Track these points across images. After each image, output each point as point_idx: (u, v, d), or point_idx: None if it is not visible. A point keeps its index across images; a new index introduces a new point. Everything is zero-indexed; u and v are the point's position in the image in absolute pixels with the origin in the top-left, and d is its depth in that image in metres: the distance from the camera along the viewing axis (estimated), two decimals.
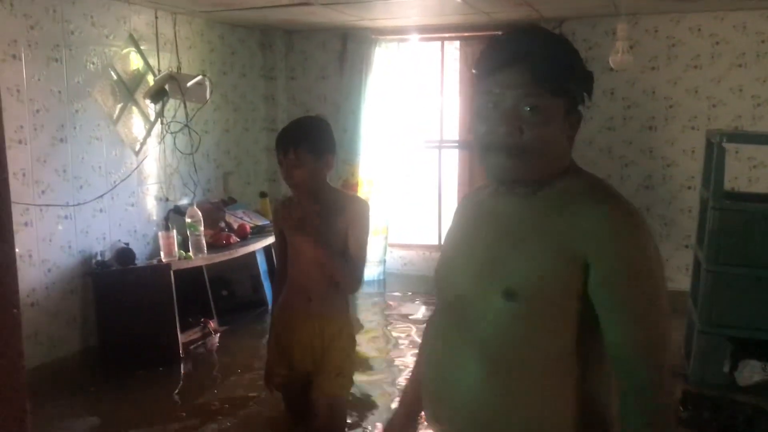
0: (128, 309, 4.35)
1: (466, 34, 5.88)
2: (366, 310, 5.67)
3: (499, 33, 1.39)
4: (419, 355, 1.68)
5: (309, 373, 2.61)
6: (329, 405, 2.57)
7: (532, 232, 1.34)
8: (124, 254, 4.45)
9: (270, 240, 5.33)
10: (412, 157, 6.69)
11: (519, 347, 1.33)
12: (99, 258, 4.43)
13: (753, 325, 3.76)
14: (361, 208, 2.58)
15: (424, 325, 1.68)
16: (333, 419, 2.59)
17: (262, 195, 5.90)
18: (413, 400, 1.66)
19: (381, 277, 6.28)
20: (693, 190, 5.24)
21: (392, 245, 6.40)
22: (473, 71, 1.40)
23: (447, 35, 6.04)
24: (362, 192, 6.14)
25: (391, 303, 5.76)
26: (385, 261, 6.30)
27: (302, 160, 2.44)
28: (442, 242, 1.64)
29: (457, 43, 6.11)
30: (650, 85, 5.52)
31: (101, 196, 4.50)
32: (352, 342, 2.68)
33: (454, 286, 1.43)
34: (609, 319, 1.30)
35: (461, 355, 1.38)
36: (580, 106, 1.38)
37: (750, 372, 3.76)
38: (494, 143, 1.33)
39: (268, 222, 5.53)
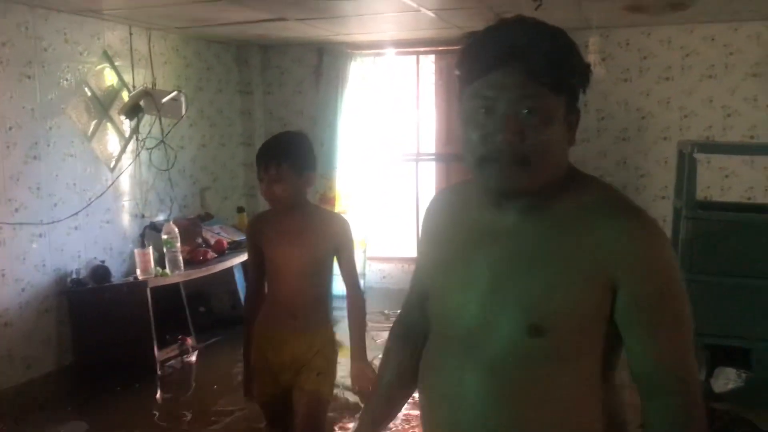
0: (104, 327, 4.31)
1: (440, 48, 5.93)
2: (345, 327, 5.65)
3: (483, 28, 1.22)
4: (384, 373, 1.57)
5: (290, 385, 2.57)
6: (309, 401, 2.52)
7: (552, 255, 1.20)
8: (100, 272, 4.41)
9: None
10: (389, 170, 6.70)
11: (545, 383, 1.21)
12: (74, 276, 4.38)
13: (728, 332, 3.79)
14: (347, 227, 2.57)
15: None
16: (313, 416, 2.53)
17: (240, 210, 5.89)
18: (379, 418, 1.56)
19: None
20: (667, 200, 5.30)
21: (371, 258, 6.40)
22: (456, 72, 1.24)
23: (422, 49, 6.08)
24: (340, 205, 6.15)
25: (370, 322, 5.72)
26: (364, 275, 6.29)
27: (283, 176, 2.39)
28: (422, 258, 1.49)
29: (432, 57, 6.16)
30: (623, 97, 5.59)
31: (76, 213, 4.45)
32: (335, 351, 2.66)
33: (461, 319, 1.26)
34: (639, 341, 1.21)
35: (477, 393, 1.24)
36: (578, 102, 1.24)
37: (725, 379, 3.79)
38: (493, 152, 1.18)
39: (246, 237, 5.50)
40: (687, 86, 5.47)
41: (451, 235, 1.35)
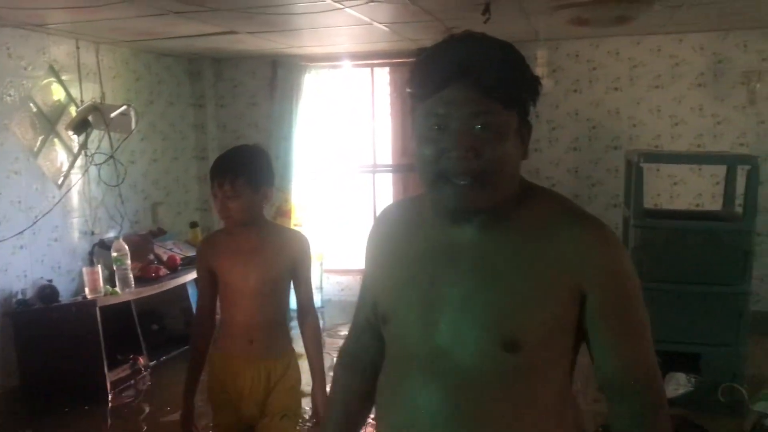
0: (52, 348, 4.20)
1: (395, 60, 5.95)
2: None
3: (433, 45, 1.22)
4: (333, 406, 1.54)
5: (253, 417, 2.44)
6: None
7: (519, 268, 1.20)
8: (47, 292, 4.30)
9: None
10: (345, 182, 6.70)
11: (519, 398, 1.21)
12: (20, 297, 4.27)
13: (677, 338, 3.87)
14: (306, 245, 2.45)
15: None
16: None
17: (193, 225, 5.80)
18: None
19: (319, 305, 6.20)
20: (618, 208, 5.38)
21: (329, 271, 6.37)
22: (408, 90, 1.23)
23: (376, 62, 6.10)
24: (295, 218, 6.12)
25: (328, 339, 5.67)
26: (321, 288, 6.26)
27: (239, 192, 2.26)
28: (372, 279, 1.43)
29: (386, 69, 6.17)
30: (573, 108, 5.68)
31: (21, 232, 4.34)
32: (298, 380, 2.52)
33: (428, 339, 1.23)
34: (608, 346, 1.23)
35: (447, 414, 1.21)
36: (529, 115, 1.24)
37: (676, 384, 3.86)
38: (448, 170, 1.17)
39: None
40: (635, 96, 5.58)
41: (407, 253, 1.32)
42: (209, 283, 2.46)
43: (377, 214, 1.50)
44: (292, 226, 6.08)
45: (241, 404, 2.42)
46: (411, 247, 1.31)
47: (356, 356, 1.50)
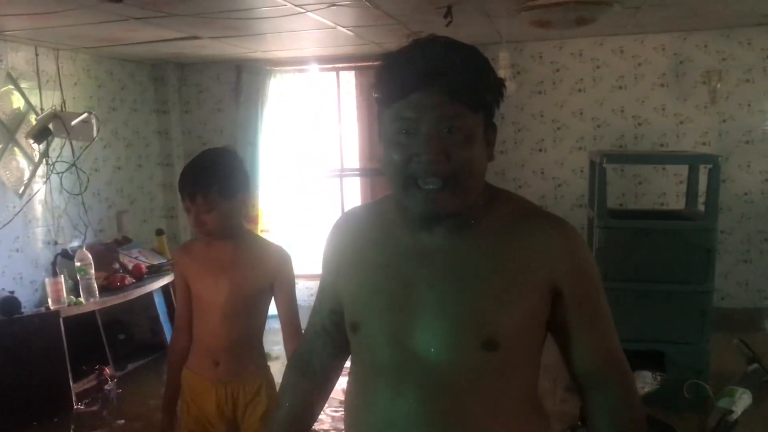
0: (16, 361, 4.11)
1: (360, 63, 5.94)
2: (274, 348, 5.60)
3: (398, 49, 1.24)
4: (280, 411, 1.50)
5: None
6: None
7: (493, 269, 1.22)
8: (9, 303, 4.21)
9: (168, 279, 5.18)
10: (313, 186, 6.67)
11: (497, 396, 1.23)
12: None
13: (643, 337, 3.91)
14: (286, 260, 2.22)
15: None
16: None
17: (159, 233, 5.73)
18: None
19: None
20: (583, 209, 5.44)
21: (298, 277, 6.31)
22: (374, 95, 1.24)
23: (342, 65, 6.08)
24: (262, 224, 6.07)
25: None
26: None
27: (213, 204, 2.08)
28: (330, 282, 1.42)
29: (352, 73, 6.16)
30: (538, 109, 5.72)
31: None
32: (273, 403, 2.25)
33: (404, 344, 1.23)
34: (580, 340, 1.28)
35: (423, 416, 1.21)
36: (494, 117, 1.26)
37: (642, 382, 3.89)
38: (418, 174, 1.18)
39: (165, 261, 5.37)
40: (599, 97, 5.64)
41: (375, 258, 1.31)
42: (185, 293, 2.32)
43: (335, 220, 1.50)
44: (259, 233, 6.05)
45: (210, 428, 2.30)
46: (378, 253, 1.31)
47: (308, 361, 1.49)
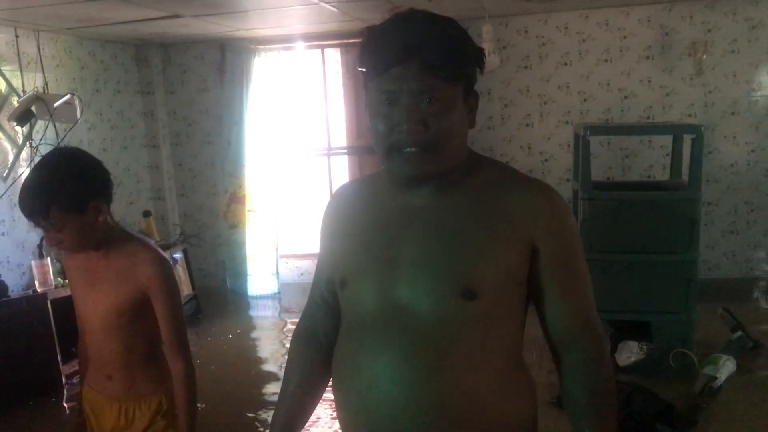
0: (4, 344, 4.10)
1: (345, 41, 5.90)
2: (263, 328, 5.63)
3: (379, 24, 1.29)
4: (291, 377, 1.53)
5: None
6: None
7: (473, 224, 1.29)
8: None
9: None
10: (300, 165, 6.65)
11: (477, 347, 1.28)
12: None
13: (629, 307, 3.94)
14: (157, 266, 1.94)
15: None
16: None
17: (146, 214, 5.70)
18: (291, 423, 1.52)
19: (276, 291, 6.21)
20: (571, 183, 5.45)
21: (286, 256, 6.35)
22: (360, 69, 1.31)
23: (327, 43, 6.05)
24: (250, 204, 6.06)
25: (288, 323, 5.65)
26: (278, 274, 6.23)
27: (60, 223, 1.83)
28: (327, 251, 1.47)
29: (338, 50, 6.12)
30: (524, 84, 5.71)
31: None
32: (172, 425, 2.07)
33: (389, 298, 1.30)
34: (556, 298, 1.32)
35: (407, 366, 1.27)
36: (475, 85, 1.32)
37: (628, 352, 3.94)
38: (400, 142, 1.25)
39: (153, 242, 5.35)
40: (585, 71, 5.63)
41: (366, 223, 1.38)
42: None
43: (332, 193, 1.55)
44: (246, 212, 6.05)
45: None
46: (367, 217, 1.39)
47: (312, 332, 1.53)
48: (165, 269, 1.96)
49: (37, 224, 1.87)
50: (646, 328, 3.97)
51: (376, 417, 1.30)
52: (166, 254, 2.06)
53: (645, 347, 3.94)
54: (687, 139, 4.14)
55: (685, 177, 4.14)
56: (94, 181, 1.91)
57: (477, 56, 1.30)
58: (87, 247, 1.93)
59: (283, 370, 1.61)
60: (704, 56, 5.43)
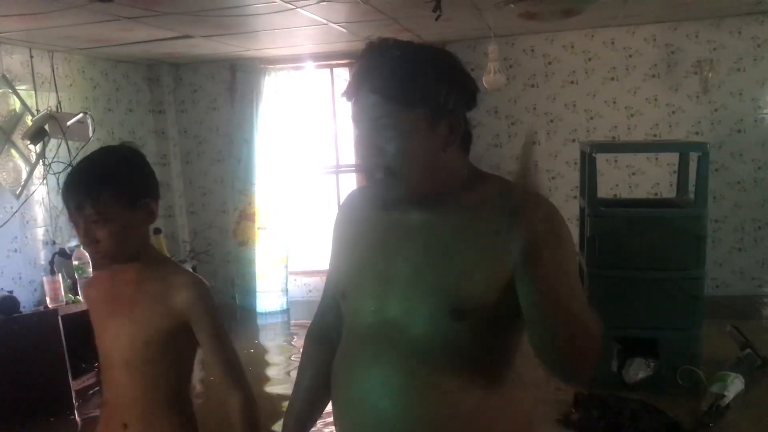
0: (15, 360, 4.15)
1: (353, 60, 5.96)
2: (271, 343, 5.65)
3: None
4: (303, 376, 1.61)
5: None
6: None
7: (465, 244, 1.30)
8: (7, 303, 4.25)
9: None
10: (309, 183, 6.70)
11: (466, 365, 1.29)
12: None
13: (636, 324, 3.94)
14: (200, 292, 1.73)
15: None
16: None
17: (156, 231, 5.74)
18: (303, 419, 1.60)
19: (285, 308, 6.24)
20: (578, 200, 5.47)
21: (295, 273, 6.38)
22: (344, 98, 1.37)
23: (335, 62, 6.12)
24: (259, 221, 6.10)
25: (295, 337, 5.68)
26: (287, 290, 6.26)
27: (107, 212, 1.63)
28: (336, 255, 1.52)
29: (346, 70, 6.19)
30: (531, 102, 5.75)
31: None
32: None
33: (381, 313, 1.32)
34: (528, 283, 1.24)
35: (398, 382, 1.29)
36: (455, 112, 1.31)
37: (636, 369, 3.93)
38: (365, 167, 1.32)
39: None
40: (591, 89, 5.67)
41: (364, 234, 1.43)
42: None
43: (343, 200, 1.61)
44: (256, 229, 6.09)
45: None
46: (370, 229, 1.43)
47: (323, 332, 1.58)
48: (206, 293, 1.74)
49: (78, 212, 1.63)
50: (653, 345, 3.96)
51: (367, 428, 1.33)
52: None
53: (652, 364, 3.93)
54: (693, 157, 4.16)
55: (691, 194, 4.16)
56: (151, 178, 1.75)
57: (446, 83, 1.29)
58: (121, 257, 1.70)
59: (292, 383, 1.62)
60: (710, 74, 5.46)
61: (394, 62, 1.29)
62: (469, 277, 1.28)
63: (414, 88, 1.28)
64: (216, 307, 1.76)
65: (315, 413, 1.61)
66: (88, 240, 1.65)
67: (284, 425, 1.61)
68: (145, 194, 1.70)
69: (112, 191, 1.63)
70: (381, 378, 1.30)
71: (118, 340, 1.72)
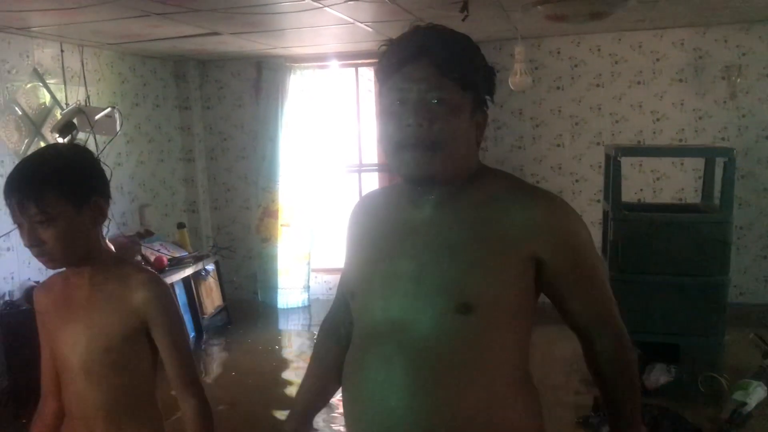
0: (39, 349, 4.21)
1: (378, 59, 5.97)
2: (291, 339, 5.69)
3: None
4: (316, 362, 1.66)
5: None
6: None
7: (472, 239, 1.31)
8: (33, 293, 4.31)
9: (190, 270, 5.28)
10: (332, 181, 6.73)
11: (473, 361, 1.29)
12: (7, 298, 4.29)
13: (657, 329, 3.92)
14: (159, 292, 1.64)
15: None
16: None
17: (180, 226, 5.83)
18: (313, 401, 1.65)
19: (306, 304, 6.27)
20: (601, 203, 5.44)
21: (316, 270, 6.41)
22: (376, 73, 1.37)
23: (360, 62, 6.14)
24: (282, 218, 6.14)
25: (316, 333, 5.71)
26: (309, 287, 6.30)
27: (53, 212, 1.51)
28: (348, 259, 1.53)
29: (371, 69, 6.21)
30: (556, 104, 5.73)
31: (8, 233, 4.36)
32: None
33: (389, 310, 1.33)
34: (569, 302, 1.38)
35: (407, 377, 1.30)
36: (486, 105, 1.38)
37: (657, 374, 3.91)
38: (405, 139, 1.30)
39: (187, 253, 5.48)
40: (617, 92, 5.64)
41: (375, 234, 1.45)
42: (49, 352, 1.71)
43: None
44: (279, 226, 6.13)
45: None
46: (378, 230, 1.45)
47: (336, 327, 1.62)
48: (165, 292, 1.66)
49: (22, 212, 1.51)
50: (675, 351, 3.94)
51: (377, 426, 1.34)
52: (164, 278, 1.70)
53: (673, 370, 3.91)
54: (719, 163, 4.13)
55: (716, 200, 4.13)
56: (99, 175, 1.63)
57: (488, 75, 1.38)
58: (71, 259, 1.58)
59: None
60: (738, 80, 5.41)
61: (457, 43, 1.33)
62: (476, 270, 1.29)
63: (471, 71, 1.32)
64: (175, 307, 1.68)
65: (323, 398, 1.66)
66: (33, 242, 1.53)
67: (292, 408, 1.66)
68: (93, 193, 1.59)
69: (57, 189, 1.52)
70: (390, 375, 1.31)
71: (75, 348, 1.61)
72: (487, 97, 1.39)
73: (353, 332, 1.48)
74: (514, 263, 1.30)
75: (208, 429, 1.67)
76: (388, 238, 1.40)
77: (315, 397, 1.65)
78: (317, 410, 1.67)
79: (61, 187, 1.52)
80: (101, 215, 1.61)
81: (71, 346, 1.62)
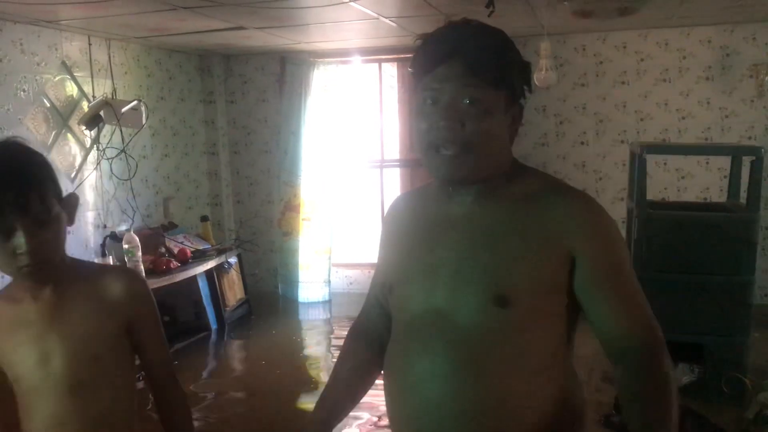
0: None
1: (402, 55, 5.99)
2: (311, 332, 5.72)
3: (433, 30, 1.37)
4: (343, 365, 1.61)
5: None
6: None
7: (509, 232, 1.31)
8: None
9: (212, 263, 5.33)
10: (354, 176, 6.75)
11: (512, 352, 1.29)
12: None
13: (681, 328, 3.87)
14: (139, 286, 1.55)
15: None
16: None
17: (204, 219, 5.88)
18: (338, 407, 1.58)
19: (326, 298, 6.29)
20: (625, 202, 5.40)
21: (337, 265, 6.43)
22: (409, 70, 1.37)
23: (383, 57, 6.15)
24: (304, 212, 6.16)
25: (336, 327, 5.74)
26: (329, 282, 6.32)
27: (45, 216, 1.37)
28: (382, 256, 1.55)
29: (394, 64, 6.22)
30: (581, 101, 5.70)
31: None
32: None
33: (429, 303, 1.34)
34: (601, 307, 1.32)
35: (447, 369, 1.30)
36: (521, 98, 1.37)
37: (680, 374, 3.88)
38: (437, 139, 1.29)
39: (210, 246, 5.52)
40: (642, 90, 5.60)
41: (413, 231, 1.44)
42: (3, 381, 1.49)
43: (387, 206, 1.65)
44: (301, 221, 6.16)
45: None
46: (414, 226, 1.45)
47: (365, 329, 1.61)
48: (144, 281, 1.60)
49: (23, 212, 1.33)
50: (698, 351, 3.91)
51: (419, 417, 1.35)
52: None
53: (696, 369, 3.88)
54: (746, 162, 4.07)
55: (742, 200, 4.08)
56: (57, 180, 1.46)
57: (523, 69, 1.36)
58: (53, 261, 1.42)
59: (329, 371, 1.65)
60: (766, 78, 5.34)
61: (490, 40, 1.32)
62: (513, 264, 1.29)
63: (504, 67, 1.30)
64: (154, 300, 1.59)
65: (349, 403, 1.60)
66: (32, 247, 1.35)
67: (314, 412, 1.56)
68: (54, 195, 1.42)
69: (52, 189, 1.40)
70: (431, 367, 1.32)
71: (49, 363, 1.45)
72: (525, 88, 1.37)
73: (393, 323, 1.48)
74: (551, 258, 1.30)
75: (191, 416, 1.72)
76: (427, 231, 1.41)
77: (342, 402, 1.58)
78: (348, 411, 1.60)
79: (53, 187, 1.40)
80: (72, 214, 1.49)
81: (42, 363, 1.44)
